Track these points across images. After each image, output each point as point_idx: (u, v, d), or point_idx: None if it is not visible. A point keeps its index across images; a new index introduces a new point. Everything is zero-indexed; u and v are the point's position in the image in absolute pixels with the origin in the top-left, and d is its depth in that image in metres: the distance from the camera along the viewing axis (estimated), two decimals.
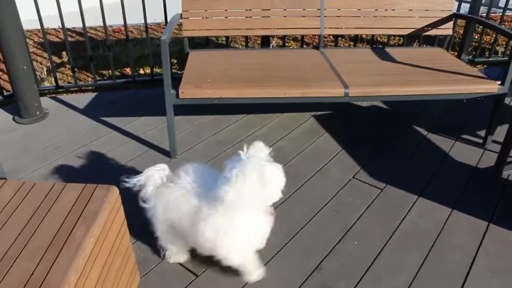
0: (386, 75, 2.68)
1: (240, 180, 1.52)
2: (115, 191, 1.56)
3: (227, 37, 4.18)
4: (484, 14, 3.90)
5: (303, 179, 2.51)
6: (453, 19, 3.11)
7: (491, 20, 4.46)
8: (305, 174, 2.55)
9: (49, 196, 1.54)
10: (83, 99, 3.43)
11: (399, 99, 2.58)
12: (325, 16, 3.00)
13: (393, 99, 2.61)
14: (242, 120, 3.12)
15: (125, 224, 1.66)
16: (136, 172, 2.50)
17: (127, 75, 3.94)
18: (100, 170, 2.56)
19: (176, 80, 2.54)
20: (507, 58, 2.58)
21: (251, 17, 2.97)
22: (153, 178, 1.75)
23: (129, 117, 3.15)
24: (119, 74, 3.97)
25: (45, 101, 3.36)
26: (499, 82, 2.59)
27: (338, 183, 2.46)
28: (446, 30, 3.11)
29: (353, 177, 2.53)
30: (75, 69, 3.51)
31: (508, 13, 4.65)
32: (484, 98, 2.63)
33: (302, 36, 4.27)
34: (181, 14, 2.92)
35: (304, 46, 4.53)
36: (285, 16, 3.01)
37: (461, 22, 4.66)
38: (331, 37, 4.68)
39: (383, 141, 2.90)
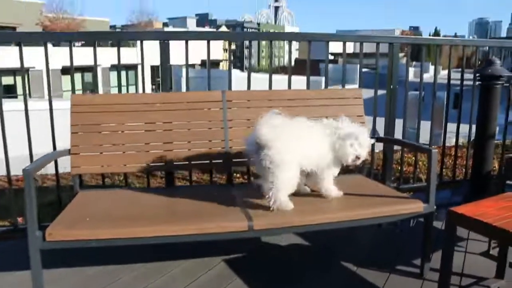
0: (300, 204, 2.37)
1: None
2: None
3: (125, 174, 3.75)
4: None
5: None
6: None
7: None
8: None
9: None
10: None
11: (315, 228, 2.26)
12: (230, 147, 2.77)
13: (308, 229, 2.29)
14: (138, 270, 2.58)
15: None
16: None
17: (13, 224, 3.42)
18: None
19: None
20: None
21: (149, 151, 2.69)
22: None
23: (7, 271, 2.57)
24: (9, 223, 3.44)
25: None
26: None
27: None
28: None
29: None
30: None
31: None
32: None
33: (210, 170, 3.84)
34: (69, 149, 2.60)
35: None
36: (189, 149, 2.75)
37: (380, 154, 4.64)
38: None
39: (305, 282, 2.48)
